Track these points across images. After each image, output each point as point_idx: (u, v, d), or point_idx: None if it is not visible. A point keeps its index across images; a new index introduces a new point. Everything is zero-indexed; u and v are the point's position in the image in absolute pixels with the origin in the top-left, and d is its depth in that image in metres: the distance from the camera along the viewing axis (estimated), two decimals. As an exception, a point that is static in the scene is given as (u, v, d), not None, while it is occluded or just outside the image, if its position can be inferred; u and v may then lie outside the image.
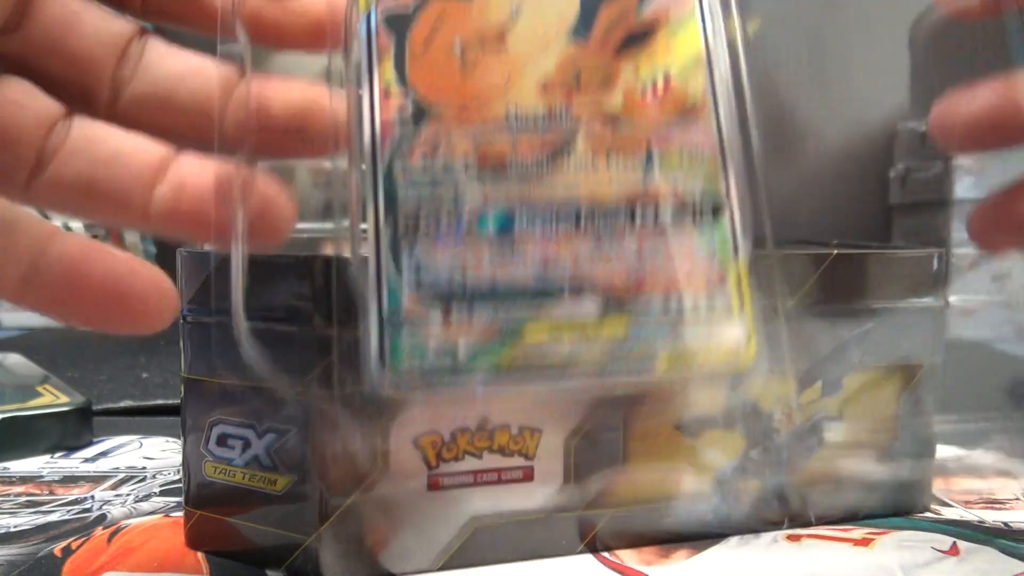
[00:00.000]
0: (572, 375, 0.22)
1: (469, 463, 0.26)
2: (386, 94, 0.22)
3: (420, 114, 0.22)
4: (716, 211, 0.23)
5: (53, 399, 0.41)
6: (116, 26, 0.21)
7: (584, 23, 0.23)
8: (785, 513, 0.30)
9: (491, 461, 0.26)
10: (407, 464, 0.25)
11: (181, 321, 0.27)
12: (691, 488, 0.28)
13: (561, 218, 0.22)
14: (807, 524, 0.30)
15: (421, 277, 0.21)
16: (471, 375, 0.21)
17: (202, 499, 0.27)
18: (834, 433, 0.30)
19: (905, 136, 1.00)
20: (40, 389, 0.43)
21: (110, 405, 0.48)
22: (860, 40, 0.96)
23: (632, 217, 0.22)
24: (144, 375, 0.57)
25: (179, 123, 0.22)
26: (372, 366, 0.21)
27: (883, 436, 0.31)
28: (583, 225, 0.22)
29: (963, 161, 0.80)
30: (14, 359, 0.51)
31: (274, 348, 0.25)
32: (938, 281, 0.31)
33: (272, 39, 0.23)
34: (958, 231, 0.85)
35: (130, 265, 0.20)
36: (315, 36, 0.22)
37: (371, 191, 0.22)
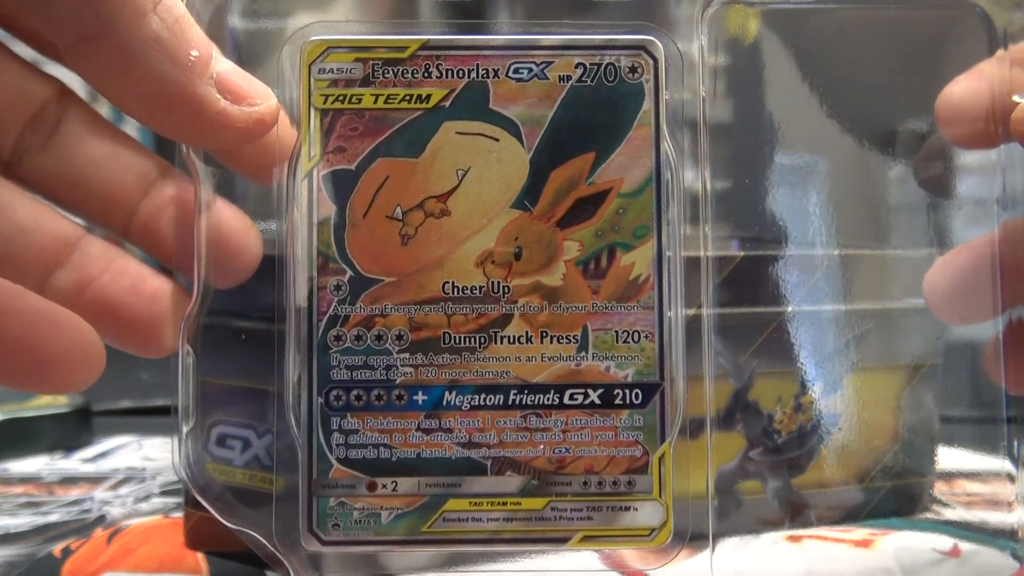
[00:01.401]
0: (489, 544, 0.23)
1: None
2: (323, 267, 0.23)
3: (357, 288, 0.23)
4: (647, 394, 0.23)
5: (52, 399, 0.41)
6: (31, 88, 0.20)
7: (532, 188, 0.23)
8: (785, 514, 0.30)
9: None
10: None
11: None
12: (689, 489, 0.28)
13: (490, 395, 0.23)
14: (807, 525, 0.30)
15: (349, 450, 0.23)
16: (392, 539, 0.23)
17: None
18: (834, 434, 0.30)
19: (905, 136, 1.00)
20: (40, 389, 0.43)
21: (110, 405, 0.48)
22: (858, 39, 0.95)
23: (561, 396, 0.23)
24: (144, 375, 0.57)
25: (84, 209, 0.21)
26: (300, 527, 0.23)
27: (884, 437, 0.31)
28: (511, 401, 0.23)
29: (965, 160, 0.80)
30: (14, 359, 0.51)
31: (273, 349, 0.25)
32: None
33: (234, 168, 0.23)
34: (958, 231, 0.85)
35: (50, 319, 0.18)
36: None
37: (305, 362, 0.23)
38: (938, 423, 0.32)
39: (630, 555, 0.28)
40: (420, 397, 0.23)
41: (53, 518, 0.31)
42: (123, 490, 0.34)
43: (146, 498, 0.33)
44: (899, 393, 0.31)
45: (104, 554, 0.28)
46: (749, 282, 0.28)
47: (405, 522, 0.23)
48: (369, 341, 0.23)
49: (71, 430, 0.40)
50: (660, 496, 0.23)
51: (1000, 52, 0.24)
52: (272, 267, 0.25)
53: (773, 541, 0.29)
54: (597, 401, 0.23)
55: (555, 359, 0.23)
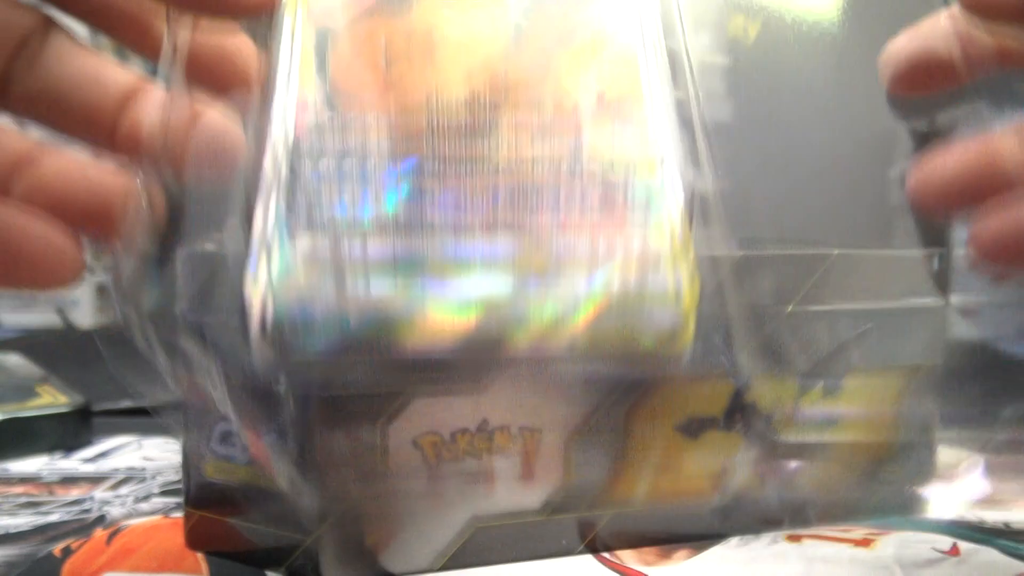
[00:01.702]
0: (478, 334, 0.20)
1: (469, 463, 0.26)
2: (304, 79, 0.21)
3: (334, 99, 0.21)
4: (648, 196, 0.21)
5: (53, 399, 0.41)
6: (16, 18, 0.21)
7: (517, 34, 0.22)
8: (784, 513, 0.30)
9: (491, 461, 0.26)
10: (407, 464, 0.25)
11: (182, 320, 0.27)
12: (691, 489, 0.29)
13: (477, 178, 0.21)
14: (807, 524, 0.30)
15: (315, 245, 0.20)
16: (362, 344, 0.19)
17: (202, 499, 0.27)
18: (834, 434, 0.30)
19: (905, 136, 1.00)
20: (40, 389, 0.43)
21: (110, 405, 0.48)
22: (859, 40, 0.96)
23: (556, 200, 0.21)
24: (144, 375, 0.57)
25: (70, 126, 0.21)
26: (253, 335, 0.19)
27: (883, 436, 0.31)
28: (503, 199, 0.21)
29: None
30: (14, 359, 0.51)
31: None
32: (938, 281, 0.31)
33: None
34: (958, 231, 0.85)
35: (24, 227, 0.20)
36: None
37: (273, 168, 0.20)
38: (937, 423, 0.32)
39: (630, 556, 0.28)
40: (398, 180, 0.20)
41: (53, 518, 0.31)
42: (123, 490, 0.34)
43: (146, 498, 0.33)
44: (898, 393, 0.31)
45: (104, 554, 0.28)
46: (749, 281, 0.28)
47: (376, 324, 0.20)
48: (346, 145, 0.21)
49: (71, 430, 0.40)
50: (676, 296, 0.21)
51: (946, 8, 0.24)
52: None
53: (773, 540, 0.29)
54: (596, 205, 0.21)
55: (549, 162, 0.21)
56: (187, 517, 0.28)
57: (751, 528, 0.29)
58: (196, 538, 0.28)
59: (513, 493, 0.27)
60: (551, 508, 0.27)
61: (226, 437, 0.26)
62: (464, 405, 0.26)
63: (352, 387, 0.25)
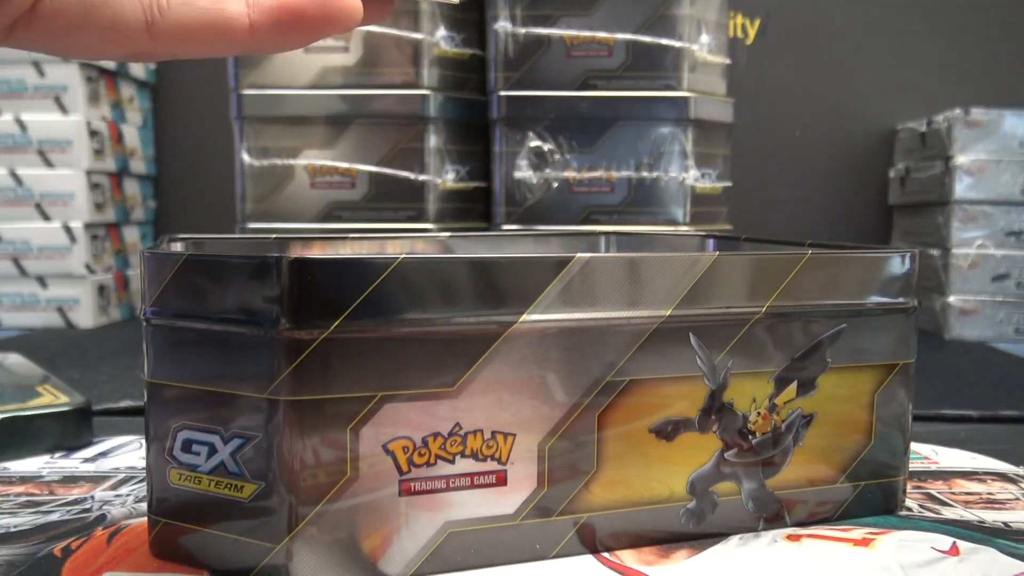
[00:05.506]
0: None
1: (441, 468, 0.26)
2: None
3: None
4: None
5: (53, 399, 0.41)
6: None
7: None
8: (760, 514, 0.30)
9: (464, 466, 0.26)
10: (378, 469, 0.25)
11: (144, 324, 0.26)
12: (666, 491, 0.28)
13: None
14: (782, 525, 0.30)
15: None
16: None
17: (166, 507, 0.26)
18: (809, 433, 0.30)
19: (905, 136, 1.00)
20: (40, 389, 0.43)
21: (110, 405, 0.48)
22: (860, 40, 0.96)
23: None
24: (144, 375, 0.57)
25: (95, 43, 0.21)
26: None
27: (858, 435, 0.31)
28: None
29: (962, 161, 0.80)
30: (14, 359, 0.51)
31: (238, 351, 0.25)
32: (908, 281, 0.31)
33: None
34: (958, 231, 0.85)
35: None
36: None
37: None
38: (911, 420, 0.31)
39: (630, 556, 0.28)
40: None
41: (54, 517, 0.31)
42: (123, 490, 0.34)
43: (146, 498, 0.33)
44: (873, 392, 0.31)
45: (104, 553, 0.28)
46: (725, 281, 0.28)
47: None
48: None
49: (71, 430, 0.40)
50: None
51: None
52: (236, 265, 0.24)
53: (773, 541, 0.29)
54: None
55: None
56: (151, 525, 0.27)
57: (726, 530, 0.29)
58: (160, 547, 0.27)
59: (487, 498, 0.26)
60: (525, 513, 0.27)
61: (188, 445, 0.26)
62: (436, 409, 0.25)
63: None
